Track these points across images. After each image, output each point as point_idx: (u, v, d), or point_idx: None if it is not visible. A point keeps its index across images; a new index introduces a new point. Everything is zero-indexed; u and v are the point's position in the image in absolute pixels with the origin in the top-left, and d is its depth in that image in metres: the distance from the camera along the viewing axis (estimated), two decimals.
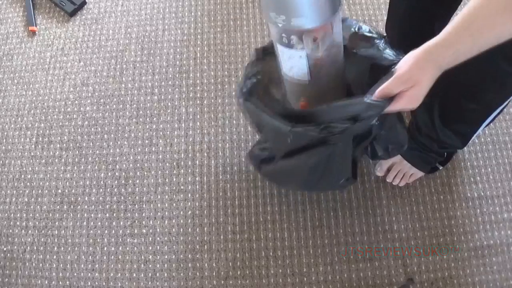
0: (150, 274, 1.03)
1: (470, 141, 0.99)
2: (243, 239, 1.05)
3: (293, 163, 0.88)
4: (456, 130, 0.93)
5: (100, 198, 1.11)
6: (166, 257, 1.04)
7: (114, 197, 1.11)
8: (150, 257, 1.05)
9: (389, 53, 0.81)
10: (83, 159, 1.16)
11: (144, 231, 1.07)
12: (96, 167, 1.15)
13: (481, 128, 0.93)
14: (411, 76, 0.63)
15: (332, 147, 0.83)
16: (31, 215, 1.11)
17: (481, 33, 0.56)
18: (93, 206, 1.10)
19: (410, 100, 0.65)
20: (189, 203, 1.09)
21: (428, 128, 0.94)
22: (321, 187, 0.96)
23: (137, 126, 1.19)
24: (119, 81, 1.25)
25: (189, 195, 1.10)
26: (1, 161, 1.17)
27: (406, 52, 1.06)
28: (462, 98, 0.86)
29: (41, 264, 1.05)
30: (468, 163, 1.10)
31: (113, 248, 1.06)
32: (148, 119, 1.19)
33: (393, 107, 0.67)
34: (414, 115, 0.99)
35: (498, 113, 0.89)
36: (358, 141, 0.88)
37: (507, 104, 0.86)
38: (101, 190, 1.12)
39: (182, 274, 1.03)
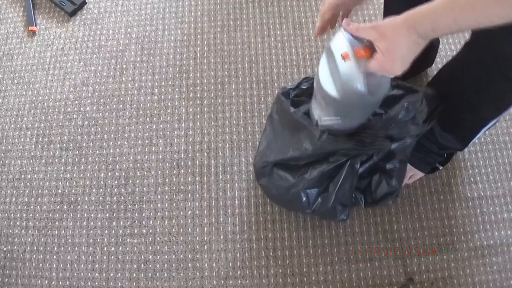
0: (150, 274, 1.03)
1: (473, 139, 0.99)
2: (243, 239, 1.05)
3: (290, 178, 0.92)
4: (454, 135, 0.94)
5: (100, 198, 1.11)
6: (166, 257, 1.04)
7: (114, 197, 1.11)
8: (150, 257, 1.05)
9: None
10: (83, 159, 1.16)
11: (144, 231, 1.07)
12: (96, 167, 1.15)
13: (481, 133, 0.94)
14: (385, 31, 0.64)
15: (338, 167, 0.86)
16: (31, 215, 1.11)
17: (462, 12, 0.56)
18: (93, 206, 1.10)
19: (386, 57, 0.64)
20: (189, 203, 1.09)
21: (427, 131, 0.95)
22: (317, 211, 0.97)
23: (137, 126, 1.19)
24: (119, 81, 1.25)
25: (189, 195, 1.10)
26: (1, 161, 1.17)
27: None
28: (459, 110, 0.88)
29: (41, 264, 1.05)
30: (468, 163, 1.10)
31: (113, 248, 1.06)
32: (148, 119, 1.19)
33: (371, 64, 0.67)
34: None
35: (498, 119, 0.90)
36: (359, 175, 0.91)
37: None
38: (101, 190, 1.12)
39: (182, 274, 1.03)
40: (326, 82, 0.74)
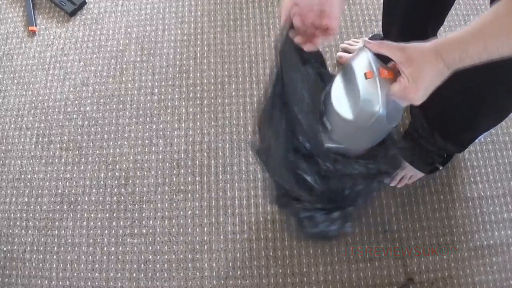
0: (150, 274, 1.03)
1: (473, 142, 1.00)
2: (243, 239, 1.05)
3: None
4: (454, 142, 0.95)
5: (100, 198, 1.11)
6: (166, 257, 1.04)
7: (114, 197, 1.11)
8: (150, 257, 1.05)
9: None
10: (83, 159, 1.16)
11: (144, 231, 1.07)
12: (96, 167, 1.15)
13: (481, 136, 0.95)
14: (413, 55, 0.61)
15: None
16: (31, 215, 1.11)
17: (495, 38, 0.55)
18: (93, 206, 1.10)
19: (411, 83, 0.62)
20: (189, 203, 1.09)
21: (427, 134, 0.96)
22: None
23: (137, 126, 1.19)
24: (119, 81, 1.25)
25: (189, 195, 1.10)
26: (1, 161, 1.17)
27: None
28: (460, 120, 0.88)
29: (41, 264, 1.05)
30: (468, 163, 1.10)
31: (113, 248, 1.06)
32: (148, 119, 1.19)
33: (394, 88, 0.64)
34: (414, 119, 1.00)
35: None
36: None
37: None
38: (101, 190, 1.12)
39: (182, 274, 1.03)
40: (339, 103, 0.70)
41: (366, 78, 0.66)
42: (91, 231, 1.08)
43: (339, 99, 0.71)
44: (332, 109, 0.71)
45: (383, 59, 0.67)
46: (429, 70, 0.60)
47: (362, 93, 0.66)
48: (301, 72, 0.77)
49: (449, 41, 0.59)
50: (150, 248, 1.05)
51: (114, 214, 1.09)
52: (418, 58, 0.60)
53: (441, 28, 1.04)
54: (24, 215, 1.11)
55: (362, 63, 0.68)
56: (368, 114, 0.67)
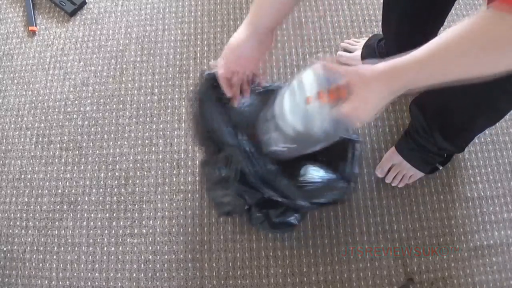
0: (150, 274, 1.03)
1: (471, 142, 1.00)
2: (243, 239, 1.05)
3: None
4: (450, 143, 0.95)
5: (100, 198, 1.11)
6: (166, 257, 1.04)
7: (114, 197, 1.11)
8: (150, 257, 1.05)
9: None
10: (83, 159, 1.16)
11: (144, 231, 1.07)
12: (96, 167, 1.15)
13: (479, 133, 0.95)
14: (359, 80, 0.61)
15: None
16: (31, 215, 1.11)
17: (446, 68, 0.54)
18: (93, 206, 1.10)
19: (361, 104, 0.62)
20: (189, 203, 1.09)
21: (426, 134, 0.96)
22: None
23: (137, 126, 1.19)
24: (119, 81, 1.25)
25: (189, 195, 1.10)
26: (1, 161, 1.17)
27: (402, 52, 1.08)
28: (456, 121, 0.89)
29: (41, 264, 1.05)
30: (468, 163, 1.10)
31: (113, 248, 1.06)
32: (148, 119, 1.19)
33: (342, 109, 0.64)
34: (413, 119, 1.00)
35: None
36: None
37: None
38: (101, 190, 1.12)
39: (182, 274, 1.03)
40: (287, 113, 0.72)
41: (308, 101, 0.68)
42: (91, 231, 1.08)
43: (287, 110, 0.73)
44: (283, 116, 0.73)
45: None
46: (374, 94, 0.60)
47: (304, 113, 0.69)
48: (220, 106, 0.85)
49: (399, 67, 0.58)
50: (150, 248, 1.05)
51: (114, 214, 1.09)
52: (363, 82, 0.61)
53: (441, 28, 1.04)
54: (24, 215, 1.11)
55: (308, 83, 0.70)
56: (307, 134, 0.70)
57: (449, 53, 0.54)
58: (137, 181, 1.12)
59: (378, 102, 0.61)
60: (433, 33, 1.03)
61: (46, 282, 1.04)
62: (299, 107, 0.70)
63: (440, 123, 0.93)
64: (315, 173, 0.88)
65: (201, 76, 0.87)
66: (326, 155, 0.92)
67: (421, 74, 0.56)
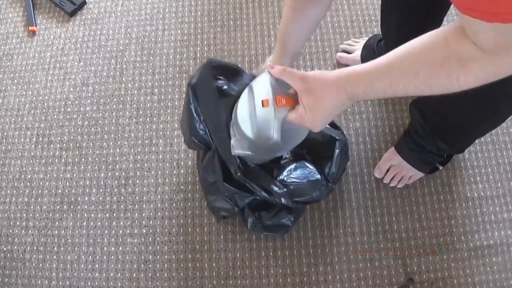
0: (150, 274, 1.03)
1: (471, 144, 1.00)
2: (243, 239, 1.05)
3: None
4: (449, 145, 0.95)
5: (100, 198, 1.11)
6: (166, 257, 1.04)
7: (114, 197, 1.11)
8: (150, 257, 1.05)
9: None
10: (83, 159, 1.16)
11: (144, 231, 1.07)
12: (96, 167, 1.15)
13: (479, 137, 0.95)
14: (313, 86, 0.61)
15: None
16: (31, 215, 1.11)
17: (402, 77, 0.54)
18: (93, 206, 1.10)
19: (308, 113, 0.62)
20: (189, 203, 1.09)
21: (426, 135, 0.96)
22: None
23: (137, 126, 1.19)
24: (119, 81, 1.25)
25: (189, 195, 1.10)
26: (1, 161, 1.17)
27: None
28: (457, 125, 0.89)
29: (41, 264, 1.05)
30: (468, 163, 1.10)
31: (113, 248, 1.06)
32: (148, 119, 1.19)
33: (290, 116, 0.66)
34: (413, 120, 1.00)
35: None
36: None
37: None
38: (101, 190, 1.12)
39: (182, 274, 1.03)
40: (243, 120, 0.73)
41: (262, 106, 0.68)
42: (91, 231, 1.08)
43: (243, 116, 0.73)
44: (237, 124, 0.74)
45: None
46: (328, 101, 0.60)
47: (258, 119, 0.69)
48: (215, 99, 0.84)
49: (355, 75, 0.58)
50: (150, 248, 1.05)
51: (114, 214, 1.09)
52: (317, 89, 0.60)
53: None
54: (24, 215, 1.11)
55: (263, 88, 0.70)
56: (264, 139, 0.70)
57: (401, 70, 0.54)
58: (137, 181, 1.12)
59: (334, 106, 0.61)
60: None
61: (46, 282, 1.04)
62: (252, 113, 0.71)
63: (439, 126, 0.93)
64: (299, 172, 0.88)
65: (204, 63, 0.85)
66: (312, 154, 0.93)
67: (378, 84, 0.56)
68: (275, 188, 0.84)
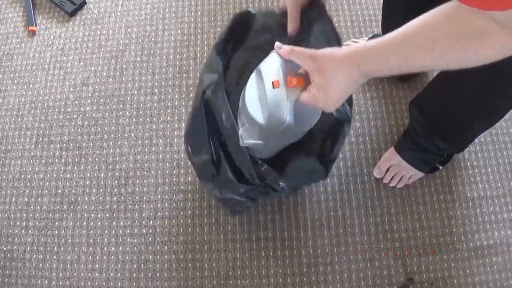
0: (150, 274, 1.03)
1: (470, 143, 1.00)
2: (243, 239, 1.05)
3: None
4: (449, 144, 0.95)
5: (100, 198, 1.11)
6: (166, 257, 1.04)
7: (114, 197, 1.11)
8: (150, 257, 1.05)
9: None
10: (83, 159, 1.16)
11: (144, 231, 1.07)
12: (96, 167, 1.15)
13: (478, 136, 0.95)
14: (325, 64, 0.58)
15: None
16: (31, 215, 1.11)
17: (418, 52, 0.52)
18: (93, 206, 1.10)
19: (321, 93, 0.59)
20: (189, 203, 1.09)
21: (425, 134, 0.96)
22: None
23: (137, 126, 1.19)
24: (119, 81, 1.25)
25: (189, 195, 1.10)
26: (1, 161, 1.17)
27: None
28: (454, 121, 0.89)
29: (41, 264, 1.05)
30: (468, 163, 1.10)
31: (113, 248, 1.06)
32: (148, 119, 1.19)
33: (303, 97, 0.63)
34: (412, 120, 1.00)
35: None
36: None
37: None
38: (101, 190, 1.12)
39: (182, 274, 1.03)
40: (252, 106, 0.69)
41: (273, 87, 0.65)
42: (91, 231, 1.08)
43: (252, 102, 0.69)
44: (246, 110, 0.70)
45: None
46: (341, 80, 0.58)
47: (269, 102, 0.65)
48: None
49: (368, 51, 0.56)
50: (150, 248, 1.05)
51: (114, 214, 1.09)
52: (329, 68, 0.58)
53: None
54: (24, 215, 1.11)
55: (272, 69, 0.66)
56: (277, 122, 0.66)
57: (416, 45, 0.52)
58: (137, 181, 1.12)
59: (348, 84, 0.58)
60: None
61: (46, 282, 1.04)
62: (262, 97, 0.66)
63: (439, 124, 0.93)
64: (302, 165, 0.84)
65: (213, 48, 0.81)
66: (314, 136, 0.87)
67: (392, 59, 0.54)
68: (282, 184, 0.80)
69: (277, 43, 0.65)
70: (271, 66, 0.67)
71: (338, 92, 0.59)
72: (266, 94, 0.66)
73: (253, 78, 0.71)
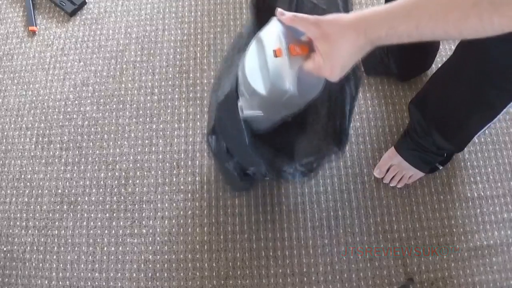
0: (150, 274, 1.03)
1: (470, 141, 1.00)
2: (243, 239, 1.05)
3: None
4: (448, 141, 0.95)
5: (100, 198, 1.11)
6: (166, 257, 1.04)
7: (114, 197, 1.11)
8: (150, 257, 1.05)
9: None
10: (83, 159, 1.16)
11: (144, 231, 1.07)
12: (96, 167, 1.15)
13: (477, 134, 0.95)
14: (329, 31, 0.56)
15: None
16: (31, 215, 1.11)
17: (430, 20, 0.49)
18: (93, 206, 1.10)
19: (326, 61, 0.57)
20: (189, 203, 1.09)
21: (425, 133, 0.96)
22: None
23: (137, 126, 1.19)
24: (119, 81, 1.25)
25: (189, 195, 1.10)
26: (1, 161, 1.17)
27: (405, 56, 1.09)
28: (452, 117, 0.89)
29: (41, 264, 1.05)
30: (468, 163, 1.10)
31: (113, 248, 1.06)
32: (148, 119, 1.19)
33: (307, 66, 0.61)
34: (412, 119, 1.00)
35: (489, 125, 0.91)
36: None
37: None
38: (101, 190, 1.12)
39: (182, 274, 1.03)
40: (253, 76, 0.66)
41: (275, 56, 0.62)
42: (91, 231, 1.08)
43: (253, 72, 0.66)
44: (246, 81, 0.67)
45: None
46: (347, 47, 0.55)
47: (271, 71, 0.62)
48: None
49: (377, 16, 0.53)
50: (150, 248, 1.05)
51: (114, 214, 1.09)
52: (334, 34, 0.55)
53: None
54: (24, 215, 1.11)
55: (273, 37, 0.63)
56: (279, 93, 0.64)
57: (428, 12, 0.49)
58: (137, 181, 1.12)
59: (354, 52, 0.56)
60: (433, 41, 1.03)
61: (46, 282, 1.04)
62: (263, 66, 0.64)
63: (438, 121, 0.93)
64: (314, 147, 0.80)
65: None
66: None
67: (402, 27, 0.51)
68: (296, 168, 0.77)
69: (279, 10, 0.63)
70: (272, 34, 0.64)
71: (344, 60, 0.57)
72: (268, 63, 0.63)
73: (253, 46, 0.68)
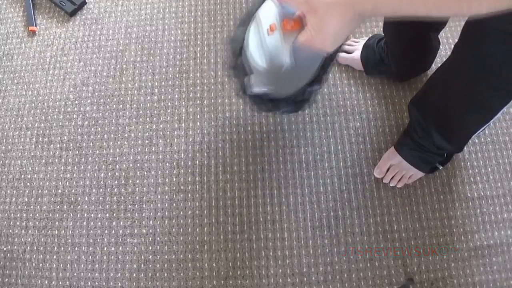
0: (150, 274, 1.03)
1: (470, 141, 1.00)
2: (243, 239, 1.05)
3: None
4: (447, 140, 0.95)
5: (100, 198, 1.11)
6: (166, 257, 1.04)
7: (114, 197, 1.11)
8: (150, 257, 1.05)
9: None
10: (83, 159, 1.16)
11: (144, 231, 1.07)
12: (96, 167, 1.15)
13: (475, 134, 0.95)
14: (318, 6, 0.59)
15: None
16: (31, 215, 1.11)
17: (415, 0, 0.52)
18: (93, 206, 1.10)
19: (317, 34, 0.61)
20: (189, 203, 1.09)
21: (425, 133, 0.96)
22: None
23: (137, 126, 1.19)
24: (119, 81, 1.25)
25: (189, 195, 1.10)
26: (1, 161, 1.17)
27: (405, 56, 1.09)
28: (450, 116, 0.89)
29: (41, 264, 1.05)
30: (468, 163, 1.10)
31: (113, 248, 1.06)
32: (148, 119, 1.19)
33: (300, 39, 0.64)
34: (412, 119, 1.00)
35: (488, 125, 0.91)
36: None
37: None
38: (101, 190, 1.12)
39: (182, 274, 1.03)
40: (254, 51, 0.71)
41: (270, 32, 0.67)
42: (91, 231, 1.08)
43: (254, 48, 0.72)
44: (249, 58, 0.72)
45: None
46: (335, 20, 0.58)
47: (268, 46, 0.68)
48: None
49: None
50: (150, 248, 1.05)
51: (114, 214, 1.09)
52: (322, 9, 0.59)
53: (445, 26, 1.04)
54: (24, 215, 1.11)
55: (267, 14, 0.69)
56: (277, 66, 0.68)
57: None
58: (137, 181, 1.12)
59: (343, 24, 0.59)
60: (435, 34, 1.03)
61: (46, 282, 1.04)
62: (262, 42, 0.69)
63: (437, 121, 0.93)
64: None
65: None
66: None
67: (387, 2, 0.54)
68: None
69: None
70: (267, 12, 0.70)
71: (333, 32, 0.60)
72: (265, 39, 0.68)
73: (253, 25, 0.73)
